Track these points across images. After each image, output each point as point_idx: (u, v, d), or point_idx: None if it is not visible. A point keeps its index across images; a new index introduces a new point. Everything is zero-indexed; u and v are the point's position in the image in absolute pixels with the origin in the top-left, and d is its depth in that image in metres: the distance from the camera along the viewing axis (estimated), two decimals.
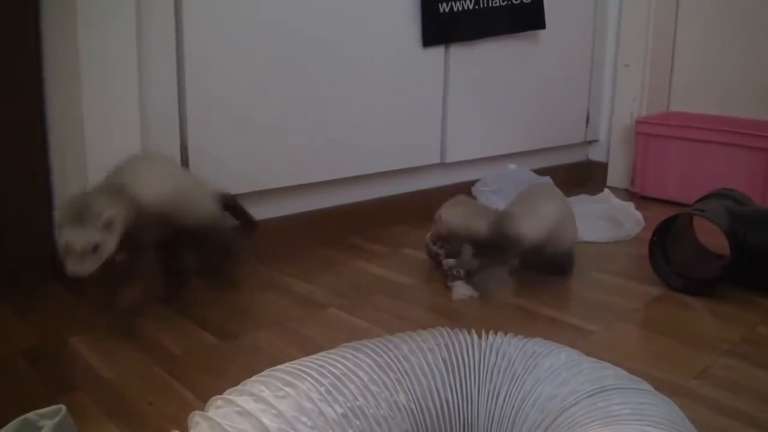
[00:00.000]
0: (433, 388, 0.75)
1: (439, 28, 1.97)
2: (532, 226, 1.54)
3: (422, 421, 0.73)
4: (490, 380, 0.76)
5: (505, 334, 0.84)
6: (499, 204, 2.05)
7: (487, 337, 0.81)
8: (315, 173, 1.80)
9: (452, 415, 0.74)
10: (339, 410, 0.68)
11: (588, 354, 1.19)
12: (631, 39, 2.59)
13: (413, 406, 0.73)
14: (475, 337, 0.81)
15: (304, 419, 0.65)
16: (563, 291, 1.61)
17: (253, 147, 1.66)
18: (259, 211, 1.71)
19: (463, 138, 2.14)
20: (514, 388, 0.74)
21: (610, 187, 2.48)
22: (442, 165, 2.13)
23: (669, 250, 1.65)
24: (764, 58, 2.44)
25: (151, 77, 1.46)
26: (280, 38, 1.66)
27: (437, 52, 2.00)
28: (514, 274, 1.68)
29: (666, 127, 2.45)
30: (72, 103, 1.40)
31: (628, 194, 2.51)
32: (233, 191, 1.63)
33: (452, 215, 1.54)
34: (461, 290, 1.53)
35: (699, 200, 1.76)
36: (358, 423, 0.68)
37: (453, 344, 0.79)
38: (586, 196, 2.22)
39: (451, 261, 1.59)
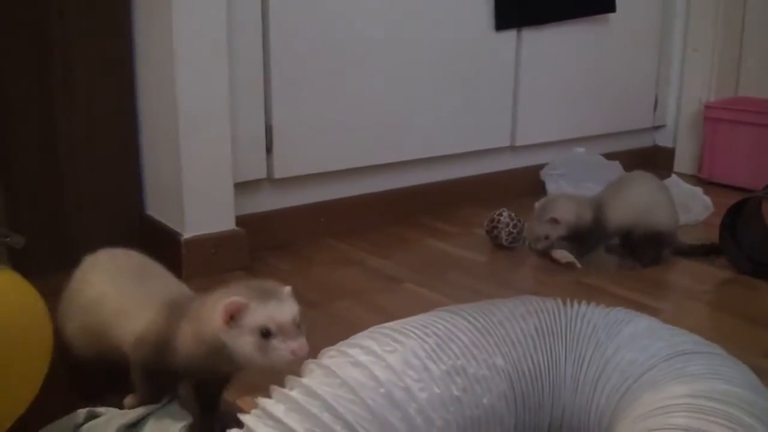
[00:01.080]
0: (527, 353, 0.80)
1: (512, 12, 2.01)
2: (617, 211, 1.64)
3: (518, 384, 0.78)
4: (577, 346, 0.81)
5: (589, 304, 0.89)
6: (567, 187, 2.09)
7: (573, 305, 0.86)
8: (386, 154, 1.86)
9: (543, 378, 0.79)
10: (443, 367, 0.73)
11: None
12: (699, 24, 2.57)
13: (510, 369, 0.78)
14: (563, 305, 0.86)
15: (410, 372, 0.71)
16: (636, 272, 1.64)
17: (331, 129, 1.72)
18: (334, 191, 1.79)
19: (532, 122, 2.18)
20: (598, 354, 0.79)
21: (678, 173, 2.48)
22: (512, 148, 2.16)
23: (739, 234, 1.67)
24: None
25: (239, 65, 1.54)
26: (357, 22, 1.72)
27: (509, 35, 2.04)
28: (611, 253, 1.75)
29: (735, 112, 2.44)
30: (166, 83, 1.48)
31: (696, 180, 2.51)
32: (313, 171, 1.71)
33: (568, 213, 1.61)
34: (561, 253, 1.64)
35: None
36: (459, 380, 0.73)
37: (543, 311, 0.84)
38: None
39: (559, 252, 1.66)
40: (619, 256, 1.73)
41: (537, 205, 1.66)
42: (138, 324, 0.87)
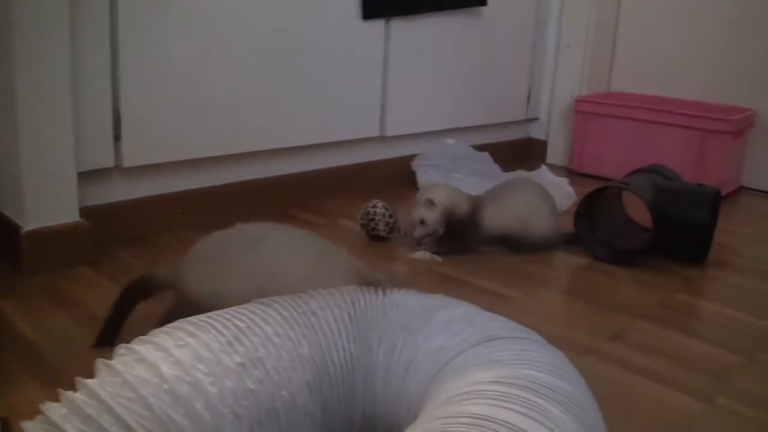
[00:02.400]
0: (338, 342, 0.77)
1: (379, 1, 1.98)
2: (496, 214, 1.65)
3: (325, 374, 0.75)
4: (390, 334, 0.78)
5: (408, 291, 0.87)
6: (438, 177, 2.09)
7: (389, 293, 0.84)
8: (250, 143, 1.80)
9: (353, 368, 0.77)
10: (237, 360, 0.69)
11: (506, 317, 1.23)
12: (573, 19, 2.63)
13: (316, 358, 0.75)
14: (381, 294, 0.84)
15: (200, 366, 0.67)
16: (492, 261, 1.65)
17: (188, 116, 1.65)
18: (195, 180, 1.73)
19: (403, 112, 2.16)
20: (410, 341, 0.77)
21: (550, 165, 2.54)
22: (382, 138, 2.15)
23: (596, 221, 1.70)
24: (703, 40, 2.51)
25: (84, 45, 1.45)
26: (215, 9, 1.65)
27: (378, 25, 2.02)
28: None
29: (604, 106, 2.50)
30: (4, 69, 1.39)
31: (567, 171, 2.56)
32: (168, 159, 1.64)
33: (444, 196, 1.61)
34: (421, 254, 1.62)
35: (628, 174, 1.81)
36: (256, 373, 0.69)
37: (358, 300, 0.81)
38: (522, 172, 2.26)
39: (419, 254, 1.64)
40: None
41: (418, 194, 1.66)
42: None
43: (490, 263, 1.63)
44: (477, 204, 1.65)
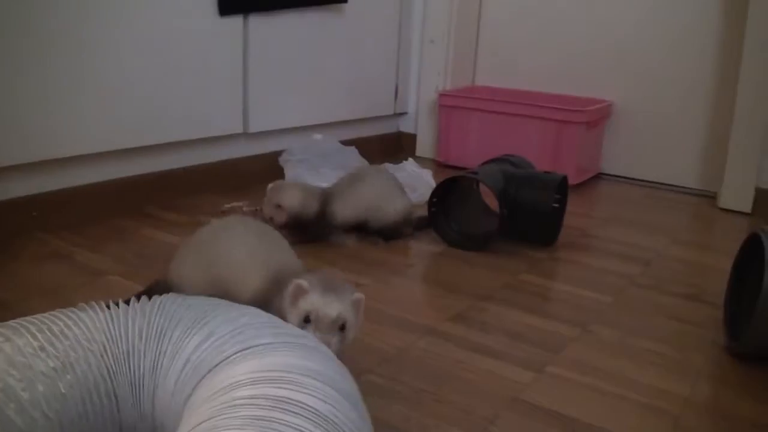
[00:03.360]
0: (130, 352, 0.78)
1: None
2: (346, 206, 1.70)
3: (120, 382, 0.76)
4: (164, 343, 0.79)
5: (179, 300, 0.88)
6: (306, 172, 2.11)
7: (169, 301, 0.86)
8: (107, 142, 1.76)
9: (143, 380, 0.77)
10: (51, 364, 0.70)
11: None
12: (436, 16, 2.71)
13: (115, 368, 0.76)
14: (162, 303, 0.85)
15: (13, 372, 0.67)
16: (347, 251, 1.68)
17: (37, 115, 1.60)
18: (51, 181, 1.68)
19: (266, 108, 2.17)
20: (180, 349, 0.78)
21: (420, 158, 2.61)
22: (246, 135, 2.15)
23: (452, 210, 1.77)
24: (559, 34, 2.63)
25: None
26: (70, 6, 1.61)
27: (235, 21, 2.01)
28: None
29: (466, 99, 2.59)
30: None
31: (435, 164, 2.64)
32: (15, 161, 1.59)
33: (292, 200, 1.66)
34: None
35: (482, 164, 1.88)
36: (68, 377, 0.70)
37: (143, 310, 0.83)
38: (389, 165, 2.31)
39: None
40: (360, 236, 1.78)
41: (269, 186, 1.69)
42: (253, 283, 1.05)
43: (345, 252, 1.67)
44: (327, 199, 1.69)
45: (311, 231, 1.69)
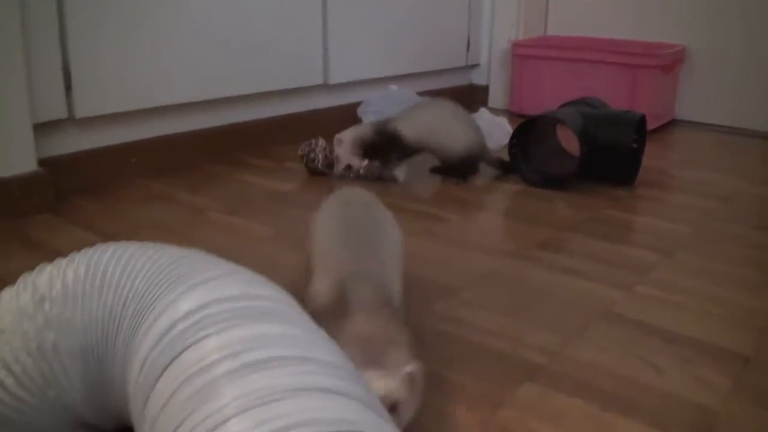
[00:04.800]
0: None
1: None
2: (407, 126, 1.77)
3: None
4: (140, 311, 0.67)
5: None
6: None
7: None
8: (198, 92, 1.86)
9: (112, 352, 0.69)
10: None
11: (441, 235, 1.36)
12: None
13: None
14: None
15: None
16: (430, 190, 1.75)
17: (135, 66, 1.71)
18: (145, 130, 1.79)
19: (346, 60, 2.24)
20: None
21: (492, 109, 2.64)
22: (326, 86, 2.22)
23: (531, 152, 1.81)
24: None
25: (32, 4, 1.50)
26: None
27: None
28: (435, 173, 1.89)
29: (539, 48, 2.61)
30: None
31: (508, 114, 2.67)
32: (119, 109, 1.70)
33: (349, 132, 1.78)
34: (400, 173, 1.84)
35: (560, 107, 1.91)
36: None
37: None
38: None
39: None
40: (442, 175, 1.86)
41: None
42: (319, 288, 0.89)
43: (428, 192, 1.74)
44: (387, 124, 1.80)
45: (382, 156, 1.79)
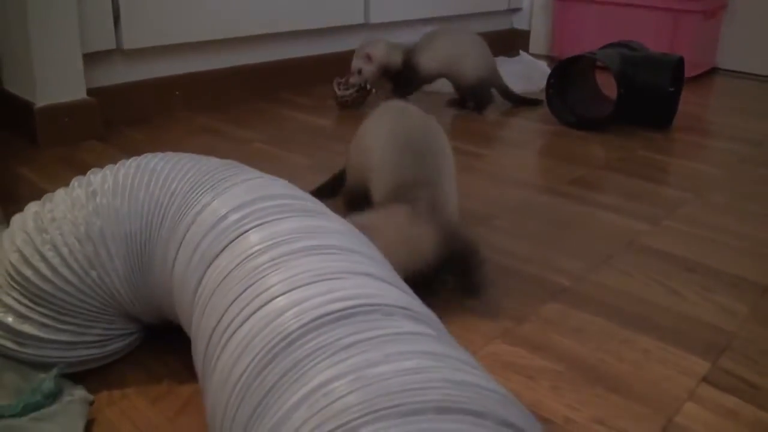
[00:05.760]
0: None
1: None
2: (429, 58, 1.84)
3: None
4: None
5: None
6: None
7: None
8: (241, 28, 1.89)
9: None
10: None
11: (477, 169, 1.39)
12: None
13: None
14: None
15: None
16: (466, 126, 1.78)
17: (182, 1, 1.75)
18: (189, 64, 1.83)
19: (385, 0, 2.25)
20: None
21: (533, 54, 2.64)
22: (366, 26, 2.24)
23: (568, 92, 1.82)
24: None
25: None
26: None
27: None
28: (451, 106, 1.95)
29: None
30: None
31: (549, 59, 2.66)
32: (165, 42, 1.75)
33: (379, 50, 1.82)
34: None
35: (599, 49, 1.91)
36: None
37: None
38: (504, 58, 2.37)
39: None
40: (459, 107, 1.93)
41: (359, 43, 1.87)
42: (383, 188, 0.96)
43: (464, 128, 1.76)
44: (411, 53, 1.84)
45: (398, 84, 1.87)
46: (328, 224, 0.64)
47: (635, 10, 2.44)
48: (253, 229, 0.62)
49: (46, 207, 0.75)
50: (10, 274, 0.71)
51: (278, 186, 0.71)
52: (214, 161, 0.77)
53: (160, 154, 0.77)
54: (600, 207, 1.28)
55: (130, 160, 0.76)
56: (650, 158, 1.58)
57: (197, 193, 0.70)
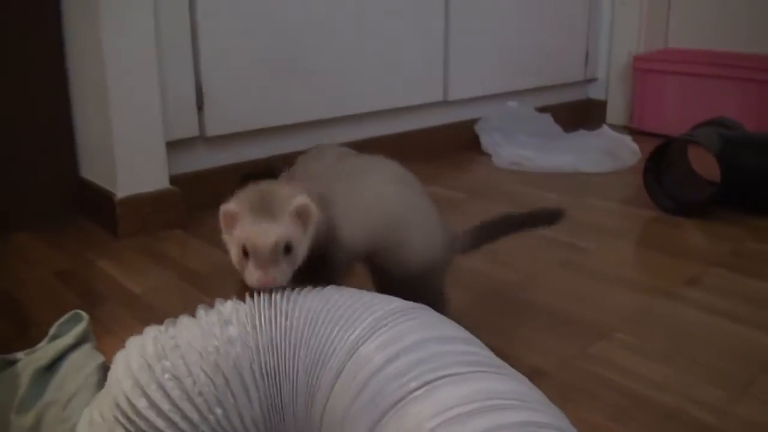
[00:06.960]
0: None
1: None
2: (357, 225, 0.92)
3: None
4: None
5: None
6: (501, 140, 2.12)
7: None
8: (320, 111, 1.86)
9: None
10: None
11: (582, 266, 1.30)
12: None
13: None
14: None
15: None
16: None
17: (263, 85, 1.72)
18: (269, 148, 1.79)
19: (465, 76, 2.20)
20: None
21: (610, 125, 2.55)
22: (445, 103, 2.19)
23: (663, 175, 1.73)
24: None
25: (165, 18, 1.52)
26: None
27: None
28: None
29: (662, 62, 2.51)
30: (92, 44, 1.47)
31: (627, 130, 2.57)
32: (247, 128, 1.71)
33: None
34: None
35: (693, 128, 1.83)
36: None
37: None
38: (584, 132, 2.29)
39: None
40: None
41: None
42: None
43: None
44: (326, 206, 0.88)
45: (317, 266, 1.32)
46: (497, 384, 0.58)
47: (720, 82, 2.34)
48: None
49: (168, 332, 0.69)
50: (118, 406, 0.65)
51: (449, 327, 0.64)
52: (346, 293, 0.73)
53: (288, 290, 0.73)
54: (725, 316, 1.17)
55: (261, 297, 0.72)
56: (762, 251, 1.47)
57: (330, 337, 0.64)
